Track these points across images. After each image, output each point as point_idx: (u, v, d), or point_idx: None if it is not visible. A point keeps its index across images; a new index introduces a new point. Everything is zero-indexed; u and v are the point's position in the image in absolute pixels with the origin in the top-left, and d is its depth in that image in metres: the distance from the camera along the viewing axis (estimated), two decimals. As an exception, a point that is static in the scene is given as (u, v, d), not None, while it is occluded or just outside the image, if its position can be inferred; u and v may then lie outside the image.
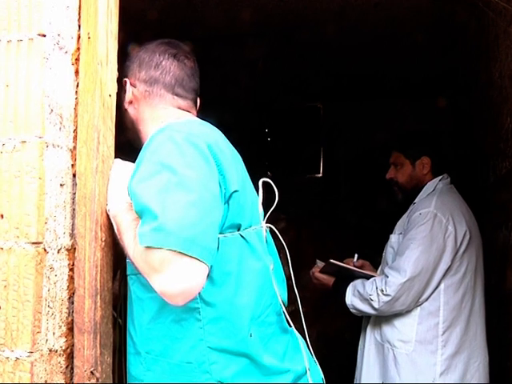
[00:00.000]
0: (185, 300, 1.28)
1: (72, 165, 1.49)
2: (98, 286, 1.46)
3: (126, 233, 1.41)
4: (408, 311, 2.51)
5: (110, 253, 1.53)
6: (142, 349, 1.49)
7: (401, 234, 2.65)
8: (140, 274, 1.37)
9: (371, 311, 2.53)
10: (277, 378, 1.50)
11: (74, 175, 1.49)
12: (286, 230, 1.69)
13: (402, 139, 2.84)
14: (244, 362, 1.46)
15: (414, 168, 2.74)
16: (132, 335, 1.52)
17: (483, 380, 2.54)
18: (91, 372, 1.45)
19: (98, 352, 1.47)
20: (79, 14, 1.52)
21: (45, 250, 1.38)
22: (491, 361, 2.60)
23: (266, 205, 1.62)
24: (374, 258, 2.86)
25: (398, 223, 2.75)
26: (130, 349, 1.54)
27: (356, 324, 2.89)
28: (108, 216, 1.50)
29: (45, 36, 1.39)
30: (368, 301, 2.51)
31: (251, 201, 1.55)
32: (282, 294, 1.60)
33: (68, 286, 1.47)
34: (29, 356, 1.34)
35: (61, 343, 1.45)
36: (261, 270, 1.52)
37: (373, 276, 2.62)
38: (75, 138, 1.50)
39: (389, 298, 2.44)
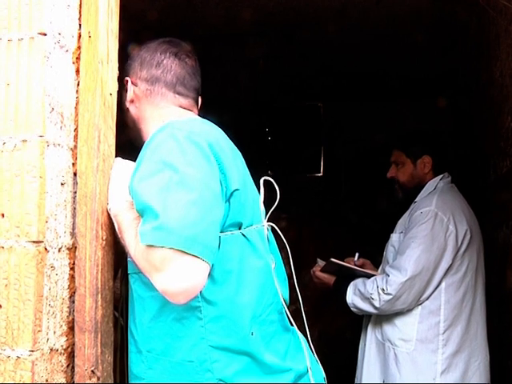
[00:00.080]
0: (186, 298, 1.28)
1: (73, 164, 1.49)
2: (99, 285, 1.46)
3: (127, 231, 1.41)
4: (409, 310, 2.51)
5: (110, 252, 1.53)
6: (143, 347, 1.49)
7: (402, 232, 2.65)
8: (141, 272, 1.37)
9: (372, 310, 2.53)
10: (278, 377, 1.50)
11: (75, 174, 1.49)
12: (286, 229, 1.68)
13: (404, 138, 2.83)
14: (245, 361, 1.46)
15: (415, 167, 2.73)
16: (133, 334, 1.52)
17: (484, 379, 2.54)
18: (92, 371, 1.45)
19: (99, 351, 1.47)
20: (80, 12, 1.52)
21: (45, 248, 1.37)
22: (492, 360, 2.60)
23: (267, 203, 1.62)
24: (375, 257, 2.86)
25: (399, 222, 2.75)
26: (131, 347, 1.54)
27: (357, 323, 2.89)
28: (109, 215, 1.50)
29: (45, 35, 1.39)
30: (369, 300, 2.51)
31: (252, 199, 1.55)
32: (283, 293, 1.60)
33: (69, 285, 1.47)
34: (30, 355, 1.34)
35: (62, 342, 1.45)
36: (262, 269, 1.52)
37: (374, 275, 2.61)
38: (76, 136, 1.50)
39: (390, 297, 2.44)
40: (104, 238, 1.48)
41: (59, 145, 1.44)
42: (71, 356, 1.47)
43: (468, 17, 3.55)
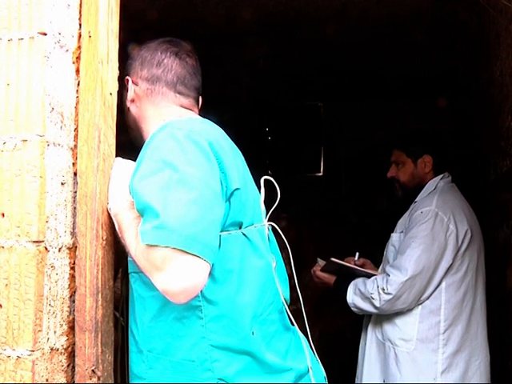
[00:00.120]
0: (187, 298, 1.28)
1: (73, 163, 1.49)
2: (99, 285, 1.47)
3: (128, 231, 1.41)
4: (409, 310, 2.51)
5: (111, 251, 1.53)
6: (143, 347, 1.49)
7: (402, 232, 2.65)
8: (142, 272, 1.37)
9: (372, 310, 2.53)
10: (279, 377, 1.50)
11: (75, 174, 1.49)
12: (286, 229, 1.68)
13: (404, 138, 2.83)
14: (246, 360, 1.46)
15: (415, 166, 2.73)
16: (134, 333, 1.52)
17: (484, 378, 2.54)
18: (92, 370, 1.45)
19: (99, 350, 1.47)
20: (80, 12, 1.52)
21: (46, 248, 1.38)
22: (492, 359, 2.60)
23: (268, 203, 1.62)
24: (375, 257, 2.86)
25: (400, 222, 2.74)
26: (131, 347, 1.54)
27: (357, 322, 2.89)
28: (109, 214, 1.50)
29: (45, 34, 1.39)
30: (369, 299, 2.51)
31: (253, 199, 1.55)
32: (284, 292, 1.60)
33: (69, 285, 1.47)
34: (30, 355, 1.35)
35: (62, 342, 1.45)
36: (263, 268, 1.52)
37: (374, 274, 2.61)
38: (76, 136, 1.50)
39: (390, 297, 2.44)
40: (104, 237, 1.48)
41: (59, 144, 1.44)
42: (72, 356, 1.47)
43: (468, 16, 3.55)
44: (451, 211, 2.52)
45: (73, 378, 1.47)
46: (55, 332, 1.42)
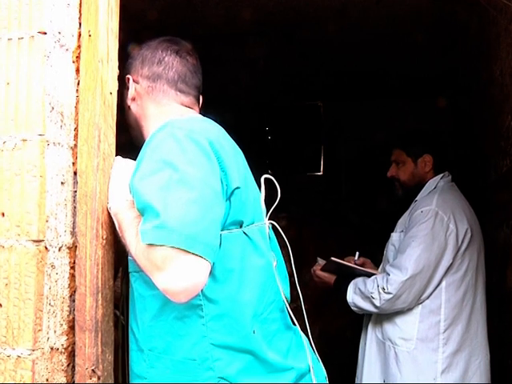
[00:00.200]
0: (187, 297, 1.29)
1: (73, 163, 1.49)
2: (99, 284, 1.47)
3: (128, 230, 1.41)
4: (409, 309, 2.50)
5: (111, 251, 1.53)
6: (144, 346, 1.48)
7: (402, 231, 2.65)
8: (142, 271, 1.37)
9: (372, 309, 2.53)
10: (280, 376, 1.50)
11: (75, 173, 1.49)
12: (286, 229, 1.68)
13: (405, 137, 2.83)
14: (247, 359, 1.45)
15: (415, 166, 2.73)
16: (134, 332, 1.52)
17: (484, 378, 2.53)
18: (92, 370, 1.45)
19: (100, 350, 1.47)
20: (80, 11, 1.52)
21: (46, 248, 1.38)
22: (492, 359, 2.60)
23: (268, 202, 1.62)
24: (376, 256, 2.86)
25: (400, 221, 2.74)
26: (132, 346, 1.54)
27: (357, 322, 2.89)
28: (109, 214, 1.50)
29: (45, 34, 1.40)
30: (369, 299, 2.51)
31: (253, 198, 1.55)
32: (284, 291, 1.60)
33: (69, 284, 1.47)
34: (30, 354, 1.35)
35: (62, 341, 1.45)
36: (263, 267, 1.52)
37: (374, 274, 2.61)
38: (76, 135, 1.50)
39: (390, 296, 2.44)
40: (104, 237, 1.48)
41: (59, 144, 1.44)
42: (72, 355, 1.47)
43: (468, 16, 3.55)
44: (451, 210, 2.52)
45: (73, 377, 1.47)
46: (55, 331, 1.42)
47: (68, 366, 1.47)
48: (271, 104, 5.75)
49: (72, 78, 1.50)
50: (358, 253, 2.82)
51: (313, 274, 2.83)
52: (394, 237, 2.71)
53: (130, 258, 1.50)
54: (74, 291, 1.47)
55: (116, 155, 1.59)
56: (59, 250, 1.43)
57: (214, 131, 1.49)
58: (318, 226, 4.79)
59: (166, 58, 1.67)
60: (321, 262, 2.82)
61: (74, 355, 1.47)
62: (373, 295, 2.49)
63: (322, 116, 5.81)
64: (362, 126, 5.36)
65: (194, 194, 1.30)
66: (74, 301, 1.47)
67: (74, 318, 1.47)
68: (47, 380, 1.39)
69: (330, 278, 2.76)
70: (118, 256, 1.56)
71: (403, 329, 2.52)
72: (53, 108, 1.41)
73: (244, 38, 3.93)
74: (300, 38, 3.96)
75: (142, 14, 3.39)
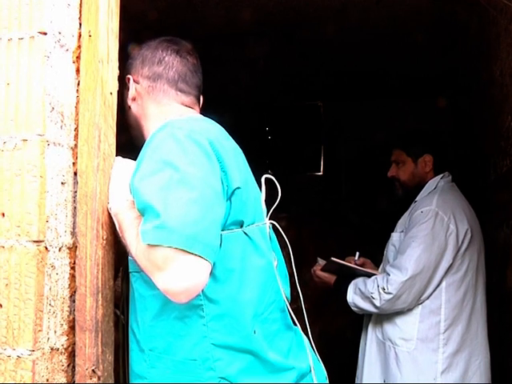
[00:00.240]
0: (188, 297, 1.28)
1: (73, 163, 1.49)
2: (100, 285, 1.46)
3: (128, 231, 1.41)
4: (409, 309, 2.50)
5: (111, 251, 1.52)
6: (145, 346, 1.48)
7: (402, 232, 2.65)
8: (142, 271, 1.37)
9: (373, 309, 2.53)
10: (281, 376, 1.50)
11: (75, 173, 1.49)
12: (286, 229, 1.68)
13: (404, 137, 2.83)
14: (248, 359, 1.45)
15: (416, 166, 2.73)
16: (135, 332, 1.52)
17: (484, 378, 2.53)
18: (93, 370, 1.45)
19: (100, 350, 1.47)
20: (80, 12, 1.52)
21: (46, 248, 1.38)
22: (492, 359, 2.60)
23: (268, 202, 1.62)
24: (376, 256, 2.86)
25: (400, 221, 2.74)
26: (132, 346, 1.53)
27: (357, 322, 2.89)
28: (109, 214, 1.50)
29: (46, 34, 1.40)
30: (369, 299, 2.51)
31: (254, 197, 1.55)
32: (285, 291, 1.60)
33: (69, 285, 1.47)
34: (30, 354, 1.35)
35: (62, 341, 1.45)
36: (264, 267, 1.52)
37: (374, 274, 2.61)
38: (76, 136, 1.50)
39: (390, 296, 2.44)
40: (104, 237, 1.48)
41: (59, 144, 1.44)
42: (72, 355, 1.47)
43: (468, 16, 3.55)
44: (451, 211, 2.52)
45: (73, 377, 1.47)
46: (55, 332, 1.42)
47: (68, 366, 1.47)
48: (271, 104, 5.75)
49: (72, 78, 1.50)
50: (358, 253, 2.82)
51: (313, 274, 2.83)
52: (395, 237, 2.70)
53: (130, 258, 1.50)
54: (75, 291, 1.47)
55: (116, 155, 1.58)
56: (59, 250, 1.43)
57: (214, 131, 1.49)
58: (317, 225, 4.79)
59: (167, 58, 1.67)
60: (321, 262, 2.82)
61: (74, 355, 1.47)
62: (373, 295, 2.49)
63: (322, 116, 5.81)
64: (362, 126, 5.36)
65: (195, 194, 1.29)
66: (74, 301, 1.47)
67: (74, 319, 1.47)
68: (47, 380, 1.39)
69: (330, 278, 2.76)
70: (119, 256, 1.56)
71: (403, 329, 2.52)
72: (53, 108, 1.41)
73: (244, 38, 3.93)
74: (300, 38, 3.96)
75: (143, 14, 3.39)
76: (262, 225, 1.57)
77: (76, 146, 1.49)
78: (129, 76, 1.69)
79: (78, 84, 1.51)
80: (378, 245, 2.94)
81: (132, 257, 1.42)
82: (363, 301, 2.55)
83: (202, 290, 1.37)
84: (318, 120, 5.81)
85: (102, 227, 1.48)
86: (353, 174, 5.53)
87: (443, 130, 4.28)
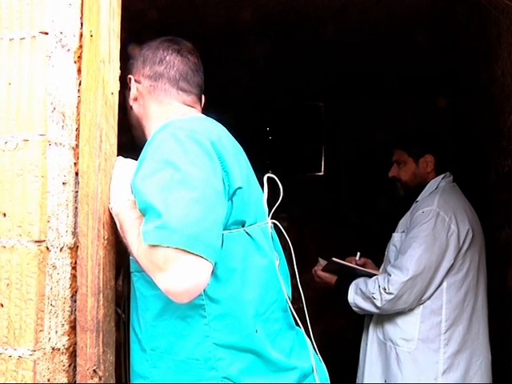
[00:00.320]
0: (189, 298, 1.28)
1: (74, 163, 1.49)
2: (101, 285, 1.46)
3: (130, 231, 1.41)
4: (410, 309, 2.50)
5: (112, 251, 1.52)
6: (147, 346, 1.48)
7: (403, 232, 2.65)
8: (144, 271, 1.37)
9: (374, 309, 2.53)
10: (284, 375, 1.50)
11: (77, 173, 1.49)
12: (287, 229, 1.68)
13: (405, 137, 2.83)
14: (250, 358, 1.46)
15: (417, 166, 2.73)
16: (137, 332, 1.52)
17: (485, 378, 2.53)
18: (94, 370, 1.45)
19: (101, 350, 1.47)
20: (81, 11, 1.52)
21: (47, 248, 1.38)
22: (493, 360, 2.59)
23: (269, 202, 1.62)
24: (377, 257, 2.86)
25: (401, 221, 2.74)
26: (134, 346, 1.53)
27: (358, 322, 2.89)
28: (110, 214, 1.50)
29: (47, 34, 1.39)
30: (370, 299, 2.51)
31: (256, 197, 1.55)
32: (286, 290, 1.60)
33: (71, 285, 1.47)
34: (31, 354, 1.35)
35: (63, 342, 1.44)
36: (266, 267, 1.52)
37: (375, 274, 2.61)
38: (77, 136, 1.50)
39: (391, 297, 2.44)
40: (106, 237, 1.48)
41: (61, 144, 1.44)
42: (73, 355, 1.47)
43: (469, 16, 3.55)
44: (453, 211, 2.52)
45: (74, 377, 1.47)
46: (56, 332, 1.42)
47: (69, 366, 1.47)
48: (271, 104, 5.75)
49: (73, 78, 1.50)
50: (359, 253, 2.82)
51: (314, 274, 2.83)
52: (396, 237, 2.70)
53: (131, 257, 1.49)
54: (76, 291, 1.47)
55: (117, 155, 1.58)
56: (60, 250, 1.43)
57: (215, 131, 1.49)
58: (318, 226, 4.80)
59: (168, 57, 1.67)
60: (322, 262, 2.82)
61: (75, 355, 1.47)
62: (374, 296, 2.49)
63: (322, 116, 5.81)
64: (362, 126, 5.36)
65: (196, 193, 1.29)
66: (75, 301, 1.47)
67: (75, 319, 1.47)
68: (48, 380, 1.39)
69: (331, 278, 2.76)
70: (120, 256, 1.56)
71: (404, 329, 2.52)
72: (54, 108, 1.41)
73: (244, 38, 3.93)
74: (300, 38, 3.96)
75: (143, 13, 3.39)
76: (264, 224, 1.57)
77: (77, 146, 1.49)
78: (130, 76, 1.70)
79: (80, 84, 1.51)
80: (378, 245, 2.94)
81: (133, 257, 1.42)
82: (364, 301, 2.55)
83: (204, 290, 1.37)
84: (319, 120, 5.80)
85: (104, 227, 1.48)
86: (353, 173, 5.53)
87: (443, 129, 4.28)
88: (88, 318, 1.45)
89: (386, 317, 2.58)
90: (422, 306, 2.50)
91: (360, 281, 2.61)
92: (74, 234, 1.48)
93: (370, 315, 2.70)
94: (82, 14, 1.52)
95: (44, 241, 1.36)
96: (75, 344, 1.47)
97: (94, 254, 1.46)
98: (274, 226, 1.65)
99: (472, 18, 3.56)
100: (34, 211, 1.36)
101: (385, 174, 2.84)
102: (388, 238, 2.78)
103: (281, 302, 1.57)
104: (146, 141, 1.49)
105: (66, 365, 1.46)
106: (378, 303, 2.48)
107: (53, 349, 1.40)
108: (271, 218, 1.62)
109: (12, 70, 1.40)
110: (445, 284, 2.49)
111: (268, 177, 1.62)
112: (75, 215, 1.48)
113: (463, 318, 2.50)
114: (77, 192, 1.49)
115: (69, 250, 1.46)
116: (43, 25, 1.39)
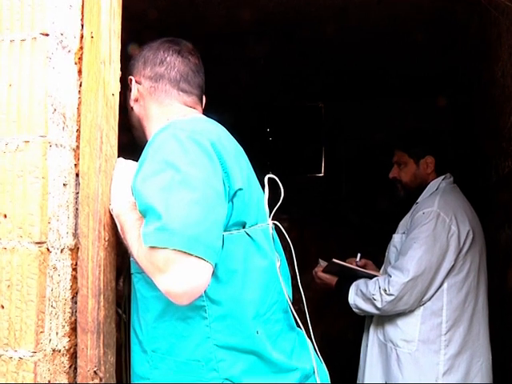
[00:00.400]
0: (190, 299, 1.28)
1: (75, 164, 1.49)
2: (102, 286, 1.46)
3: (130, 232, 1.41)
4: (411, 311, 2.50)
5: (113, 252, 1.52)
6: (147, 347, 1.48)
7: (404, 233, 2.65)
8: (144, 272, 1.37)
9: (374, 311, 2.53)
10: (285, 376, 1.50)
11: (77, 175, 1.49)
12: (288, 230, 1.68)
13: (406, 138, 2.83)
14: (252, 359, 1.46)
15: (417, 167, 2.73)
16: (137, 334, 1.52)
17: (486, 380, 2.53)
18: (94, 372, 1.45)
19: (102, 352, 1.47)
20: (82, 13, 1.52)
21: (48, 249, 1.37)
22: (494, 361, 2.59)
23: (270, 202, 1.62)
24: (377, 258, 2.86)
25: (401, 222, 2.74)
26: (135, 347, 1.53)
27: (359, 324, 2.89)
28: (111, 215, 1.50)
29: (48, 35, 1.39)
30: (371, 300, 2.51)
31: (257, 198, 1.55)
32: (287, 291, 1.60)
33: (71, 286, 1.46)
34: (32, 356, 1.34)
35: (64, 343, 1.44)
36: (267, 268, 1.52)
37: (376, 275, 2.61)
38: (78, 137, 1.49)
39: (392, 298, 2.44)
40: (106, 238, 1.48)
41: (61, 145, 1.43)
42: (73, 357, 1.47)
43: (469, 16, 3.55)
44: (453, 212, 2.52)
45: (75, 379, 1.47)
46: (57, 333, 1.42)
47: (70, 367, 1.47)
48: (271, 104, 5.74)
49: (74, 79, 1.49)
50: (359, 254, 2.82)
51: (314, 275, 2.82)
52: (396, 238, 2.70)
53: (132, 259, 1.49)
54: (76, 293, 1.47)
55: (118, 156, 1.58)
56: (61, 251, 1.42)
57: (216, 132, 1.49)
58: (319, 227, 4.79)
59: (168, 58, 1.67)
60: (322, 263, 2.82)
61: (75, 357, 1.47)
62: (374, 297, 2.49)
63: (322, 116, 5.80)
64: (362, 126, 5.36)
65: (196, 195, 1.29)
66: (76, 302, 1.47)
67: (75, 320, 1.47)
68: (49, 381, 1.39)
69: (331, 279, 2.76)
70: (122, 257, 1.56)
71: (405, 330, 2.51)
72: (55, 109, 1.40)
73: (244, 37, 3.92)
74: (300, 38, 3.96)
75: (143, 14, 3.39)
76: (265, 225, 1.57)
77: (78, 147, 1.49)
78: (131, 77, 1.70)
79: (80, 85, 1.50)
80: (379, 246, 2.94)
81: (134, 258, 1.42)
82: (365, 302, 2.54)
83: (205, 291, 1.37)
84: (319, 120, 5.80)
85: (104, 228, 1.47)
86: (353, 174, 5.52)
87: (444, 129, 4.28)
88: (89, 319, 1.45)
89: (386, 318, 2.58)
90: (422, 307, 2.50)
91: (360, 282, 2.61)
92: (75, 235, 1.48)
93: (371, 316, 2.69)
94: (82, 16, 1.52)
95: (45, 242, 1.36)
96: (76, 345, 1.47)
97: (95, 256, 1.45)
98: (275, 227, 1.65)
99: (472, 18, 3.56)
100: (34, 212, 1.36)
101: (385, 174, 2.84)
102: (388, 238, 2.78)
103: (281, 303, 1.57)
104: (146, 141, 1.49)
105: (67, 366, 1.46)
106: (379, 304, 2.48)
107: (53, 350, 1.40)
108: (272, 219, 1.62)
109: (13, 72, 1.39)
110: (445, 285, 2.49)
111: (269, 178, 1.62)
112: (76, 216, 1.48)
113: (464, 319, 2.50)
114: (77, 193, 1.48)
115: (69, 252, 1.46)
116: (44, 26, 1.39)
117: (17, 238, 1.36)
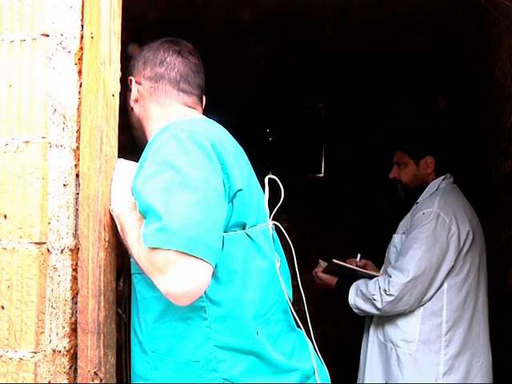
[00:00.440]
0: (190, 300, 1.28)
1: (75, 165, 1.49)
2: (102, 287, 1.46)
3: (130, 233, 1.41)
4: (411, 311, 2.50)
5: (113, 253, 1.52)
6: (148, 348, 1.48)
7: (404, 233, 2.65)
8: (144, 273, 1.36)
9: (374, 311, 2.53)
10: (285, 377, 1.50)
11: (78, 175, 1.49)
12: (288, 231, 1.68)
13: (406, 139, 2.83)
14: (251, 360, 1.45)
15: (417, 167, 2.73)
16: (138, 334, 1.52)
17: (486, 380, 2.53)
18: (95, 372, 1.45)
19: (102, 352, 1.47)
20: (82, 13, 1.52)
21: (48, 250, 1.37)
22: (494, 361, 2.59)
23: (270, 203, 1.62)
24: (377, 258, 2.86)
25: (401, 223, 2.74)
26: (135, 348, 1.53)
27: (359, 324, 2.89)
28: (111, 216, 1.50)
29: (48, 36, 1.39)
30: (371, 301, 2.51)
31: (257, 199, 1.55)
32: (287, 292, 1.60)
33: (71, 287, 1.46)
34: (32, 356, 1.34)
35: (64, 344, 1.44)
36: (267, 269, 1.51)
37: (376, 276, 2.61)
38: (78, 137, 1.49)
39: (392, 298, 2.44)
40: (106, 239, 1.48)
41: (61, 146, 1.43)
42: (74, 357, 1.47)
43: (469, 16, 3.55)
44: (453, 212, 2.52)
45: (75, 379, 1.47)
46: (57, 334, 1.42)
47: (70, 368, 1.47)
48: (271, 104, 5.74)
49: (74, 80, 1.49)
50: (359, 255, 2.82)
51: (314, 275, 2.82)
52: (396, 238, 2.70)
53: (132, 259, 1.49)
54: (77, 293, 1.47)
55: (118, 157, 1.58)
56: (61, 252, 1.42)
57: (216, 133, 1.49)
58: (319, 227, 4.79)
59: (168, 59, 1.67)
60: (322, 263, 2.82)
61: (76, 357, 1.47)
62: (374, 297, 2.49)
63: (322, 117, 5.80)
64: (362, 126, 5.36)
65: (196, 196, 1.29)
66: (76, 303, 1.47)
67: (76, 321, 1.47)
68: (49, 382, 1.38)
69: (331, 279, 2.76)
70: (122, 257, 1.56)
71: (405, 331, 2.51)
72: (55, 110, 1.40)
73: (244, 38, 3.92)
74: (300, 38, 3.96)
75: (143, 14, 3.39)
76: (265, 226, 1.57)
77: (78, 147, 1.49)
78: (131, 77, 1.70)
79: (80, 86, 1.50)
80: (379, 246, 2.94)
81: (134, 259, 1.42)
82: (365, 303, 2.54)
83: (205, 292, 1.37)
84: (319, 121, 5.80)
85: (104, 229, 1.47)
86: (354, 174, 5.52)
87: (444, 130, 4.28)
88: (89, 319, 1.45)
89: (386, 318, 2.58)
90: (422, 308, 2.50)
91: (360, 282, 2.61)
92: (75, 235, 1.48)
93: (371, 317, 2.69)
94: (82, 16, 1.52)
95: (45, 243, 1.36)
96: (76, 346, 1.47)
97: (95, 256, 1.45)
98: (275, 227, 1.64)
99: (472, 18, 3.56)
100: (34, 213, 1.36)
101: (385, 175, 2.84)
102: (388, 238, 2.78)
103: (281, 303, 1.57)
104: (146, 142, 1.49)
105: (67, 367, 1.46)
106: (379, 305, 2.47)
107: (54, 351, 1.40)
108: (272, 220, 1.62)
109: (13, 72, 1.39)
110: (445, 285, 2.49)
111: (269, 178, 1.62)
112: (76, 217, 1.48)
113: (464, 319, 2.50)
114: (77, 194, 1.48)
115: (69, 252, 1.46)
116: (44, 27, 1.39)
117: (17, 238, 1.36)
